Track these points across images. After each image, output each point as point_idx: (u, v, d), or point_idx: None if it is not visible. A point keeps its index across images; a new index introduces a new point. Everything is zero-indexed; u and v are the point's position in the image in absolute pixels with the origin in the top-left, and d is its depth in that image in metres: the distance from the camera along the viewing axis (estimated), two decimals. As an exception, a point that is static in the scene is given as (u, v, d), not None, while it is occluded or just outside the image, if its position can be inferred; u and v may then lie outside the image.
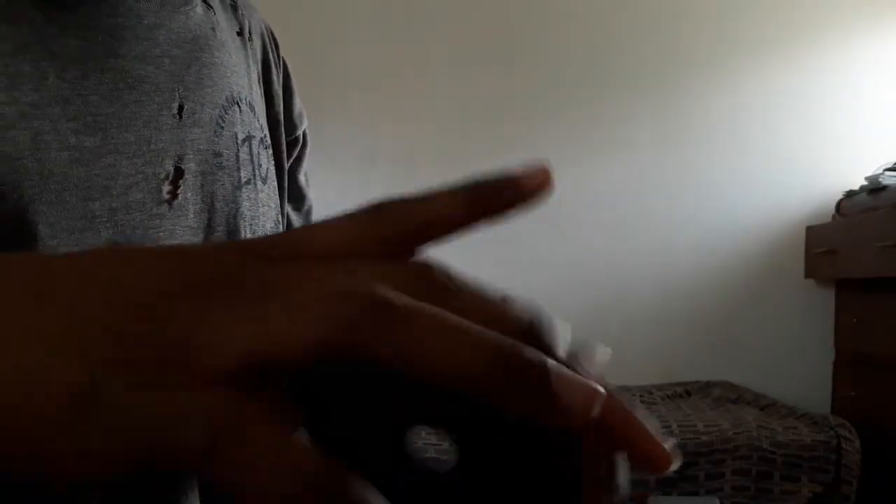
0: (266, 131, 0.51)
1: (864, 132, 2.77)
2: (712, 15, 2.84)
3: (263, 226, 0.48)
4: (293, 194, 0.60)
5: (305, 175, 0.61)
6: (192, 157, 0.42)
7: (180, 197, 0.41)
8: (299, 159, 0.61)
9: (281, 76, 0.57)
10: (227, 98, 0.46)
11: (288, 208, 0.59)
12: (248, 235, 0.46)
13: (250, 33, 0.53)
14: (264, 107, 0.53)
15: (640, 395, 2.41)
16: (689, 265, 2.77)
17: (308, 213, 0.62)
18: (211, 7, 0.48)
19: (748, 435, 1.86)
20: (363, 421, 0.20)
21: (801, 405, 2.28)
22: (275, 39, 0.58)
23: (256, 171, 0.48)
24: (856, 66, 2.79)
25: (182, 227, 0.41)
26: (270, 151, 0.52)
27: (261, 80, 0.53)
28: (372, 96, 2.89)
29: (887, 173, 2.43)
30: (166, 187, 0.40)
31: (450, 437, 0.20)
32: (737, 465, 1.83)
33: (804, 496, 1.82)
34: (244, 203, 0.46)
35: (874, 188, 2.43)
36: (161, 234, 0.40)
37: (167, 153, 0.41)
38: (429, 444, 0.28)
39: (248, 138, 0.47)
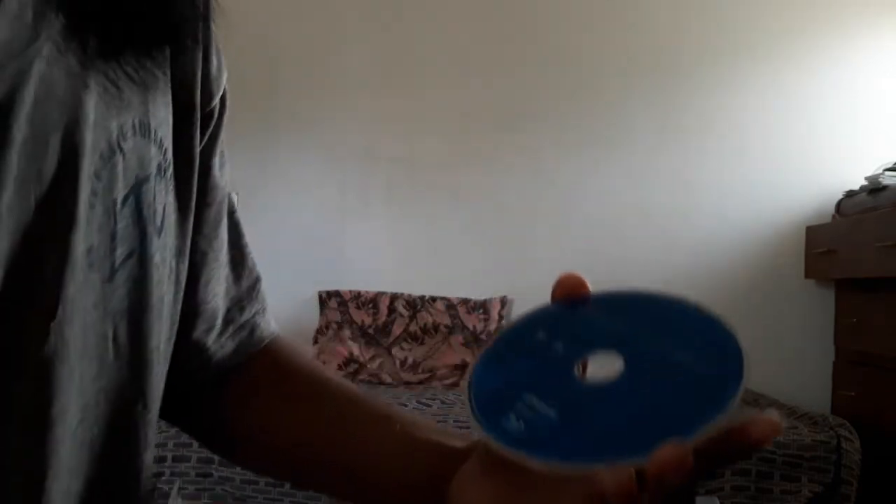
0: (167, 143, 0.40)
1: (864, 132, 2.77)
2: (712, 15, 2.84)
3: (159, 301, 0.39)
4: (202, 189, 0.45)
5: (221, 156, 0.47)
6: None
7: None
8: (214, 137, 0.46)
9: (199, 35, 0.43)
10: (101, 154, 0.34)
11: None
12: (123, 332, 0.36)
13: None
14: (170, 98, 0.40)
15: (640, 395, 2.41)
16: (688, 265, 2.77)
17: (220, 206, 0.48)
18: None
19: (748, 435, 1.86)
20: None
21: (801, 405, 2.27)
22: None
23: (149, 228, 0.37)
24: (855, 66, 2.79)
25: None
26: (170, 173, 0.40)
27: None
28: (372, 96, 2.89)
29: (887, 173, 2.43)
30: None
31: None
32: (737, 465, 1.83)
33: (804, 496, 1.81)
34: (118, 292, 0.36)
35: (874, 188, 2.43)
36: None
37: None
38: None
39: (138, 184, 0.36)
